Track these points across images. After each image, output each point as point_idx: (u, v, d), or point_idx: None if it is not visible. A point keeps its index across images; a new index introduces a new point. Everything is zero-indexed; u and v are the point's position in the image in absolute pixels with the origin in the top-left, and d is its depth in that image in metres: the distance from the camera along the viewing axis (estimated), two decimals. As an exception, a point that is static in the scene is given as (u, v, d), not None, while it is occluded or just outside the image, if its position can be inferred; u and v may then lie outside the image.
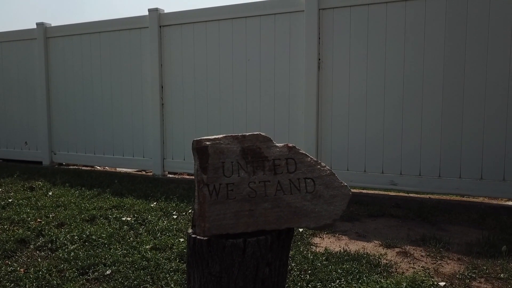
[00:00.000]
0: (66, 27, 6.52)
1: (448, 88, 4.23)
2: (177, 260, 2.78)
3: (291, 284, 2.47)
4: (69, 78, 6.55)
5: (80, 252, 2.88)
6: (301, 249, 3.03)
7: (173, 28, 5.65)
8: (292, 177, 1.57)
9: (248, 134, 1.61)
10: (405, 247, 3.14)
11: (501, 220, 3.74)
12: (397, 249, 3.10)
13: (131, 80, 6.00)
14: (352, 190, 4.80)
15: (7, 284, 2.47)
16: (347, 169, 4.73)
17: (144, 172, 6.21)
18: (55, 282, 2.48)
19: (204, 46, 5.45)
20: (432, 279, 2.55)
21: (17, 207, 4.05)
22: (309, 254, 2.91)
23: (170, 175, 5.90)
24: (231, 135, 1.60)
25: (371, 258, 2.87)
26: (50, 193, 4.61)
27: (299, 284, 2.46)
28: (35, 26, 6.74)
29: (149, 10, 5.74)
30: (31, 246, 3.06)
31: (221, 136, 1.61)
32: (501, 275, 2.62)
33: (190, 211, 3.96)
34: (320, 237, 3.39)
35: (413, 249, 3.09)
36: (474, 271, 2.68)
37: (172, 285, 2.45)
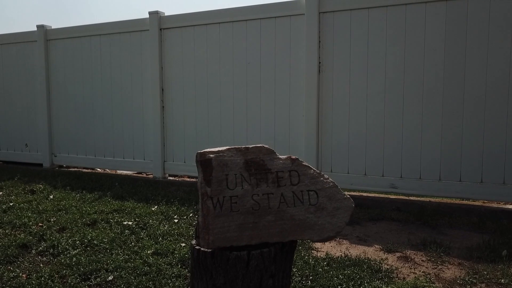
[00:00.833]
0: (67, 29, 6.52)
1: (448, 91, 4.24)
2: (179, 266, 2.79)
3: (292, 290, 2.48)
4: (69, 80, 6.55)
5: (82, 258, 2.89)
6: (302, 254, 3.04)
7: (173, 31, 5.66)
8: (296, 190, 1.58)
9: (251, 146, 1.62)
10: (405, 251, 3.15)
11: (501, 224, 3.75)
12: (398, 254, 3.12)
13: (132, 83, 6.00)
14: (353, 193, 4.85)
15: (9, 290, 2.48)
16: (347, 172, 4.74)
17: (144, 175, 6.22)
18: (57, 288, 2.48)
19: (205, 48, 5.45)
20: (433, 285, 2.56)
21: (18, 211, 4.05)
22: (310, 259, 2.92)
23: (171, 178, 5.91)
24: (235, 148, 1.61)
25: (372, 263, 2.89)
26: (51, 197, 4.61)
27: (300, 290, 2.47)
28: (35, 29, 6.73)
29: (150, 13, 5.75)
30: (33, 251, 3.07)
31: (224, 148, 1.62)
32: (502, 280, 2.63)
33: (191, 215, 3.97)
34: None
35: (414, 254, 3.10)
36: (475, 276, 2.69)
37: (174, 291, 2.46)
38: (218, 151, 1.60)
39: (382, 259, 3.00)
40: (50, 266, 2.82)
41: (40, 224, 3.62)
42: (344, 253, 3.12)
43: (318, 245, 3.31)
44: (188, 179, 5.83)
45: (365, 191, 4.85)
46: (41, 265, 2.84)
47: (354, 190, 4.89)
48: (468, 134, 4.19)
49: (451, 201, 4.44)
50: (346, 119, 4.69)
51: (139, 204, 4.31)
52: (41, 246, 3.12)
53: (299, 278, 2.62)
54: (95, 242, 3.18)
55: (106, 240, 3.21)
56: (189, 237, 3.33)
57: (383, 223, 3.90)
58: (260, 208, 1.57)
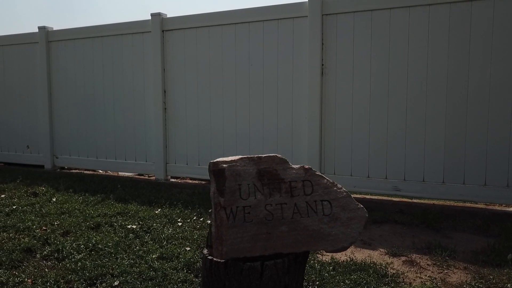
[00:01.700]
0: (68, 31, 6.51)
1: (452, 94, 4.23)
2: (185, 271, 2.78)
3: (299, 295, 2.47)
4: (71, 81, 6.54)
5: (87, 262, 2.88)
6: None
7: (175, 32, 5.65)
8: (309, 200, 1.58)
9: (264, 156, 1.62)
10: (411, 255, 3.15)
11: (505, 227, 3.75)
12: (403, 258, 3.11)
13: (134, 85, 5.99)
14: (356, 196, 4.85)
15: (15, 296, 2.47)
16: (350, 175, 4.73)
17: (146, 176, 6.21)
18: (63, 293, 2.48)
19: (207, 50, 5.44)
20: (440, 290, 2.56)
21: (21, 214, 4.04)
22: (316, 264, 2.92)
23: (173, 180, 5.90)
24: (247, 157, 1.60)
25: (378, 267, 2.88)
26: (54, 199, 4.60)
27: (307, 295, 2.47)
28: (37, 30, 6.72)
29: (152, 15, 5.73)
30: (38, 256, 3.06)
31: (237, 158, 1.61)
32: (508, 285, 2.63)
33: (194, 218, 3.96)
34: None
35: (419, 258, 3.10)
36: (481, 281, 2.69)
37: (181, 297, 2.45)
38: (231, 161, 1.59)
39: (387, 263, 3.00)
40: (55, 271, 2.81)
41: (44, 228, 3.61)
42: (350, 257, 3.11)
43: (323, 249, 3.31)
44: (190, 181, 5.82)
45: (369, 194, 4.84)
46: (46, 270, 2.83)
47: (357, 193, 4.88)
48: (471, 136, 4.18)
49: (454, 203, 4.44)
50: (349, 121, 4.68)
51: (142, 207, 4.30)
52: (45, 250, 3.11)
53: (306, 283, 2.62)
54: (99, 246, 3.17)
55: (111, 244, 3.20)
56: (193, 241, 3.32)
57: (387, 226, 3.89)
58: (274, 218, 1.56)
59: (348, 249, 3.31)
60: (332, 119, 4.76)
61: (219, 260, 1.55)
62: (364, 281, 2.63)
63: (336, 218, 1.60)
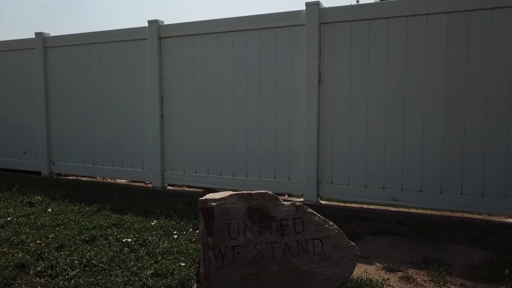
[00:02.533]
0: (65, 37, 6.48)
1: (450, 104, 4.21)
2: (179, 288, 2.75)
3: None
4: (68, 88, 6.51)
5: (81, 280, 2.85)
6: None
7: (173, 40, 5.62)
8: (300, 238, 1.55)
9: (254, 192, 1.59)
10: (407, 270, 3.12)
11: (503, 238, 3.73)
12: (399, 274, 3.08)
13: (131, 91, 5.96)
14: (353, 205, 4.82)
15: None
16: (348, 184, 4.71)
17: (144, 184, 6.18)
18: (55, 314, 2.45)
19: (205, 58, 5.42)
20: (436, 310, 2.53)
21: (16, 226, 4.02)
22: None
23: (170, 187, 5.87)
24: (237, 193, 1.57)
25: (374, 284, 2.85)
26: (50, 210, 4.57)
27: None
28: (33, 36, 6.69)
29: (149, 22, 5.71)
30: (31, 272, 3.03)
31: (227, 194, 1.58)
32: (505, 303, 2.60)
33: (190, 230, 3.94)
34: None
35: (416, 273, 3.07)
36: (477, 299, 2.66)
37: (174, 317, 2.43)
38: (220, 199, 1.56)
39: (384, 279, 2.97)
40: (48, 288, 2.78)
41: (38, 241, 3.59)
42: (346, 273, 3.08)
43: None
44: (187, 189, 5.80)
45: (366, 203, 4.82)
46: (39, 287, 2.80)
47: (354, 202, 4.87)
48: (469, 146, 4.16)
49: (452, 214, 4.41)
50: (346, 130, 4.66)
51: (138, 218, 4.28)
52: (39, 266, 3.09)
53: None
54: (93, 262, 3.14)
55: (105, 259, 3.17)
56: (188, 256, 3.30)
57: (384, 237, 3.87)
58: (264, 258, 1.53)
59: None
60: (330, 128, 4.74)
61: None
62: (360, 300, 2.61)
63: (327, 257, 1.57)
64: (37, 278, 2.95)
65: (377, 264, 3.27)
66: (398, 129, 4.42)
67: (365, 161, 4.60)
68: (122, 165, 6.11)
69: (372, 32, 4.47)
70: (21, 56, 6.90)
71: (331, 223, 1.63)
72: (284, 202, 1.62)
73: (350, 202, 4.89)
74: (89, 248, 3.44)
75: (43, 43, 6.62)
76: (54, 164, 6.76)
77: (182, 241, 3.63)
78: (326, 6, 4.75)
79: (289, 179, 4.99)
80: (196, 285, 1.69)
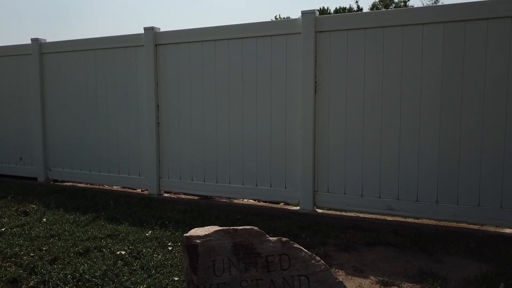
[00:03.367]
0: (61, 43, 6.46)
1: (446, 114, 4.20)
2: (171, 305, 2.74)
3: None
4: (64, 94, 6.49)
5: (73, 296, 2.84)
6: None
7: (169, 47, 5.60)
8: (286, 275, 1.53)
9: (240, 228, 1.57)
10: (402, 285, 3.11)
11: (498, 250, 3.72)
12: (394, 288, 3.08)
13: (127, 98, 5.94)
14: (350, 214, 4.81)
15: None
16: (344, 193, 4.69)
17: (140, 191, 6.16)
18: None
19: (200, 65, 5.40)
20: (430, 328, 2.52)
21: (10, 237, 3.99)
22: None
23: (166, 194, 5.86)
24: (222, 229, 1.56)
25: (368, 299, 2.84)
26: (44, 220, 4.55)
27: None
28: (30, 42, 6.67)
29: (145, 29, 5.69)
30: (23, 287, 3.01)
31: (212, 231, 1.57)
32: (499, 321, 2.59)
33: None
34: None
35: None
36: (471, 316, 2.65)
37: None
38: (205, 235, 1.55)
39: (378, 294, 2.96)
40: (40, 305, 2.76)
41: (32, 254, 3.57)
42: (340, 287, 3.07)
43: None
44: (183, 196, 5.78)
45: (362, 212, 4.81)
46: (31, 303, 2.79)
47: (351, 211, 4.85)
48: (465, 156, 4.15)
49: (448, 224, 4.40)
50: (342, 139, 4.64)
51: (133, 228, 4.26)
52: (32, 281, 3.07)
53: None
54: (86, 276, 3.12)
55: (98, 274, 3.15)
56: (181, 270, 3.28)
57: (379, 248, 3.86)
58: (249, 295, 1.51)
59: (340, 276, 3.28)
60: (326, 137, 4.72)
61: None
62: (353, 318, 2.59)
63: (313, 293, 1.56)
64: (29, 294, 2.93)
65: (372, 277, 3.26)
66: (394, 138, 4.41)
67: (361, 170, 4.58)
68: (118, 171, 6.09)
69: (368, 41, 4.46)
70: (17, 61, 6.87)
71: (317, 258, 1.61)
72: (270, 238, 1.61)
73: (346, 211, 4.88)
74: (82, 261, 3.42)
75: (39, 49, 6.60)
76: (50, 170, 6.74)
77: (176, 254, 3.61)
78: (322, 15, 4.74)
79: (285, 187, 4.98)
80: None
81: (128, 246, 3.76)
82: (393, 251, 3.80)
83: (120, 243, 3.84)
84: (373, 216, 4.70)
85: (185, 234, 1.57)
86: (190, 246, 1.55)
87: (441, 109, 4.20)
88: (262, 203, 5.40)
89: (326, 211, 4.90)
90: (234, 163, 5.25)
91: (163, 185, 5.78)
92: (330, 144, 4.71)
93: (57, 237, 3.99)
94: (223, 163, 5.32)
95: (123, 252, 3.59)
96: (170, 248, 3.73)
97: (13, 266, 3.34)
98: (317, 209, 4.89)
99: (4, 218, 4.64)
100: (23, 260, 3.45)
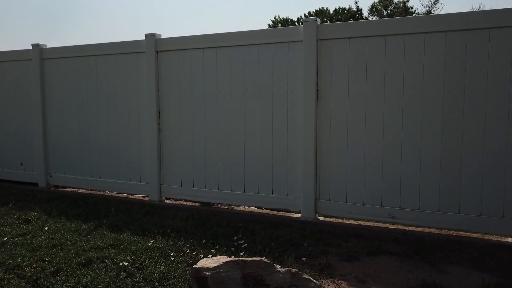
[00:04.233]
0: (62, 49, 6.45)
1: (448, 122, 4.20)
2: (175, 319, 2.74)
3: None
4: (65, 100, 6.48)
5: (76, 310, 2.83)
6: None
7: (170, 53, 5.59)
8: None
9: (249, 259, 1.57)
10: (405, 297, 3.11)
11: (501, 259, 3.72)
12: (397, 300, 3.08)
13: (128, 105, 5.94)
14: (351, 222, 4.81)
15: None
16: (346, 201, 4.70)
17: (141, 197, 6.16)
18: None
19: (202, 72, 5.39)
20: None
21: (12, 247, 3.99)
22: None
23: (167, 201, 5.85)
24: (232, 261, 1.56)
25: (371, 313, 2.84)
26: (46, 228, 4.55)
27: None
28: (30, 47, 6.66)
29: (146, 35, 5.68)
30: (27, 300, 3.01)
31: (221, 262, 1.57)
32: (502, 335, 2.59)
33: (187, 251, 3.92)
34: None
35: (413, 300, 3.06)
36: (475, 330, 2.65)
37: None
38: (214, 267, 1.55)
39: (381, 307, 2.96)
40: (43, 319, 2.76)
41: (34, 265, 3.56)
42: (343, 300, 3.07)
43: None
44: (185, 203, 5.77)
45: (364, 220, 4.81)
46: (35, 318, 2.78)
47: (352, 219, 4.85)
48: (467, 165, 4.15)
49: (450, 232, 4.40)
50: (344, 147, 4.65)
51: (135, 237, 4.26)
52: (34, 294, 3.07)
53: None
54: (90, 289, 3.12)
55: (101, 286, 3.15)
56: (185, 281, 3.28)
57: (382, 258, 3.86)
58: (258, 326, 1.52)
59: (342, 290, 3.28)
60: (327, 145, 4.72)
61: None
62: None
63: (322, 324, 1.56)
64: (33, 308, 2.93)
65: (375, 289, 3.25)
66: (396, 146, 4.41)
67: (363, 178, 4.59)
68: (120, 178, 6.09)
69: (370, 49, 4.46)
70: (18, 67, 6.86)
71: (326, 288, 1.61)
72: (279, 269, 1.61)
73: (348, 219, 4.88)
74: (85, 272, 3.42)
75: (40, 55, 6.59)
76: (51, 176, 6.73)
77: (179, 264, 3.61)
78: (324, 23, 4.74)
79: (287, 195, 4.98)
80: None
81: (131, 257, 3.75)
82: (395, 261, 3.80)
83: (123, 253, 3.83)
84: (375, 224, 4.71)
85: (194, 266, 1.57)
86: (200, 278, 1.55)
87: (443, 118, 4.21)
88: (263, 210, 5.40)
89: (328, 219, 4.90)
90: (235, 169, 5.25)
91: (165, 191, 5.77)
92: (332, 151, 4.71)
93: (59, 247, 3.99)
94: (224, 170, 5.32)
95: (125, 263, 3.59)
96: (172, 259, 3.73)
97: (16, 278, 3.34)
98: (319, 217, 4.89)
99: (6, 227, 4.63)
100: (25, 271, 3.44)
